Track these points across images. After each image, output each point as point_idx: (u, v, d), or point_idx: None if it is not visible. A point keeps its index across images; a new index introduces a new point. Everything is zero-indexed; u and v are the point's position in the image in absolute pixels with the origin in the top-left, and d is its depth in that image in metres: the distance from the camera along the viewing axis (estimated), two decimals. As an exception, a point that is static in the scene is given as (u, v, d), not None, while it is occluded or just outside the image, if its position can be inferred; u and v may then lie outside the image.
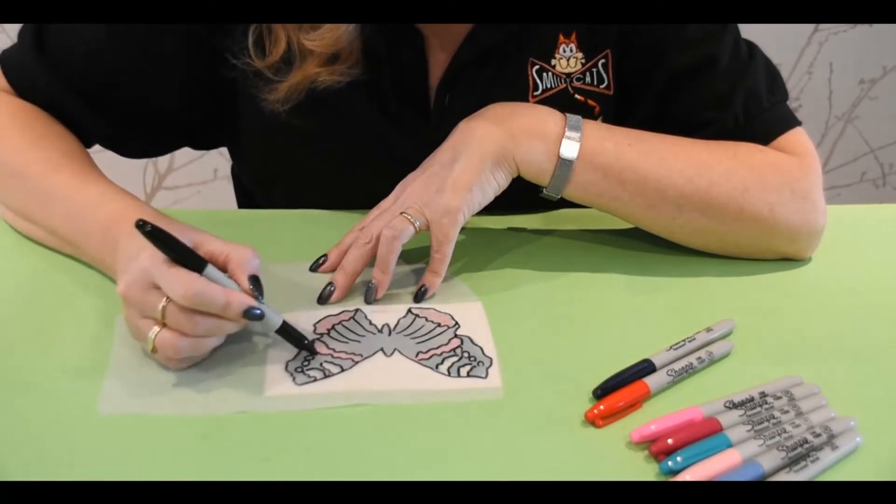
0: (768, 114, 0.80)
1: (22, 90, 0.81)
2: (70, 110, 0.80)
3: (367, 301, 0.72)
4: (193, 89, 0.81)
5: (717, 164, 0.76)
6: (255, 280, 0.63)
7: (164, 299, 0.60)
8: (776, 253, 0.80)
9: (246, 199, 1.02)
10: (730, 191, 0.76)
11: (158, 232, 0.60)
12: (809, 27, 1.97)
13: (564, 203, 0.77)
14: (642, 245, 0.82)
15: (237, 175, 1.03)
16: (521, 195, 0.76)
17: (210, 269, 0.62)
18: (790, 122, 0.81)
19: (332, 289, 0.72)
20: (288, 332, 0.65)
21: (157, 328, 0.61)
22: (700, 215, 0.76)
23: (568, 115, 0.75)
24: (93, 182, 0.73)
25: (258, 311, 0.62)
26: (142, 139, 0.86)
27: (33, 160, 0.75)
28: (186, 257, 0.61)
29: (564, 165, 0.73)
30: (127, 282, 0.61)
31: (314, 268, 0.75)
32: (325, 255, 0.75)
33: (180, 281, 0.59)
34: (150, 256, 0.61)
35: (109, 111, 0.81)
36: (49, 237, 0.75)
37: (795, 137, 0.81)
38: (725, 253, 0.80)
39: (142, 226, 0.60)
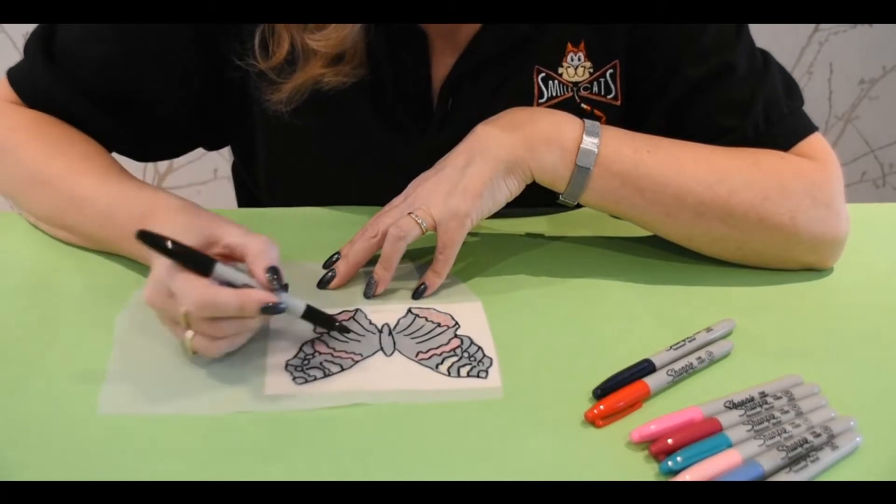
0: (788, 120, 0.79)
1: (34, 102, 0.79)
2: (86, 119, 0.79)
3: (367, 295, 0.72)
4: (204, 91, 0.80)
5: (737, 172, 0.75)
6: (273, 271, 0.62)
7: (184, 307, 0.59)
8: (798, 262, 0.78)
9: (247, 197, 1.02)
10: (750, 199, 0.74)
11: (159, 239, 0.60)
12: (809, 27, 1.97)
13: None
14: (642, 245, 0.82)
15: (239, 173, 1.03)
16: (520, 195, 0.75)
17: (219, 269, 0.60)
18: (809, 127, 0.80)
19: (333, 275, 0.73)
20: (314, 316, 0.65)
21: (190, 332, 0.61)
22: (720, 223, 0.75)
23: (586, 120, 0.74)
24: (118, 181, 0.73)
25: (276, 306, 0.60)
26: (158, 142, 0.85)
27: (58, 167, 0.75)
28: (194, 261, 0.60)
29: (581, 172, 0.73)
30: (149, 291, 0.61)
31: (328, 263, 0.75)
32: (338, 253, 0.75)
33: (189, 291, 0.59)
34: (162, 264, 0.60)
35: (126, 117, 0.80)
36: (87, 242, 0.75)
37: (816, 142, 0.80)
38: (746, 262, 0.79)
39: (142, 235, 0.59)
